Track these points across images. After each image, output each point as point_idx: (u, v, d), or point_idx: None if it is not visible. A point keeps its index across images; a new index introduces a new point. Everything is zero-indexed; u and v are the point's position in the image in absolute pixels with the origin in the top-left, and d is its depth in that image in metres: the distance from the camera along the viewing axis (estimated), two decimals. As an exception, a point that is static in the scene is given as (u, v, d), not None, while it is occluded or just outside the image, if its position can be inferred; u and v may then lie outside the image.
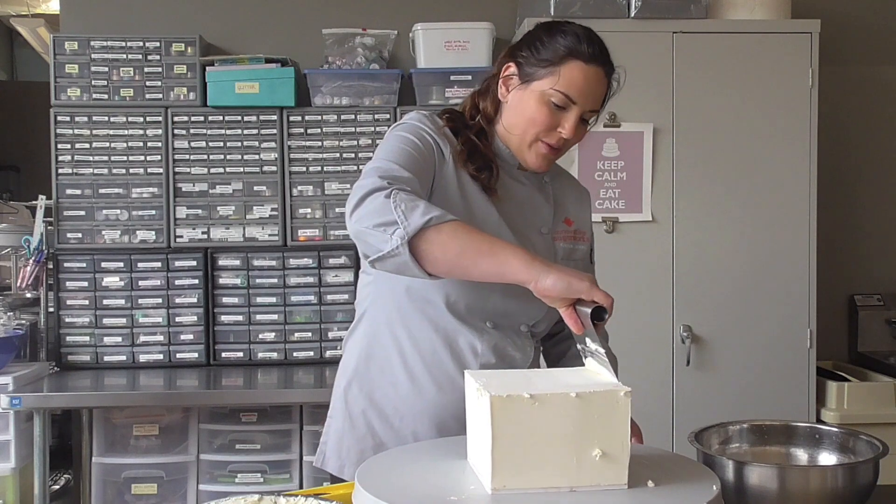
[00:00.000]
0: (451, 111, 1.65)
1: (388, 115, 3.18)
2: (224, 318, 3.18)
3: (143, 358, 3.16)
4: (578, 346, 1.34)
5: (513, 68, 1.56)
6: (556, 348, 1.79)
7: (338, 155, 3.17)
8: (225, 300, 3.18)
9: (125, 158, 3.18)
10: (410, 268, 1.32)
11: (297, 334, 3.18)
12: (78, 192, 3.17)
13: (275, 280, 3.17)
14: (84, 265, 3.15)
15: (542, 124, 1.52)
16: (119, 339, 3.16)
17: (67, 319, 3.15)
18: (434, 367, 1.55)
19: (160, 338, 3.17)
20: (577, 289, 1.28)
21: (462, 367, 1.53)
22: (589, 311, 1.26)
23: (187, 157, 3.19)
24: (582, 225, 1.71)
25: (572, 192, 1.73)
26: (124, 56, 3.18)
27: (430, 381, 1.55)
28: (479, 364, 1.55)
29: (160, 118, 3.17)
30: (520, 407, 1.08)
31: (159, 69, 3.18)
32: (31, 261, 3.13)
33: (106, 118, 3.17)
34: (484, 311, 1.55)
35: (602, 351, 1.26)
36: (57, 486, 3.23)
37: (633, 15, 2.98)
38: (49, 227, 3.16)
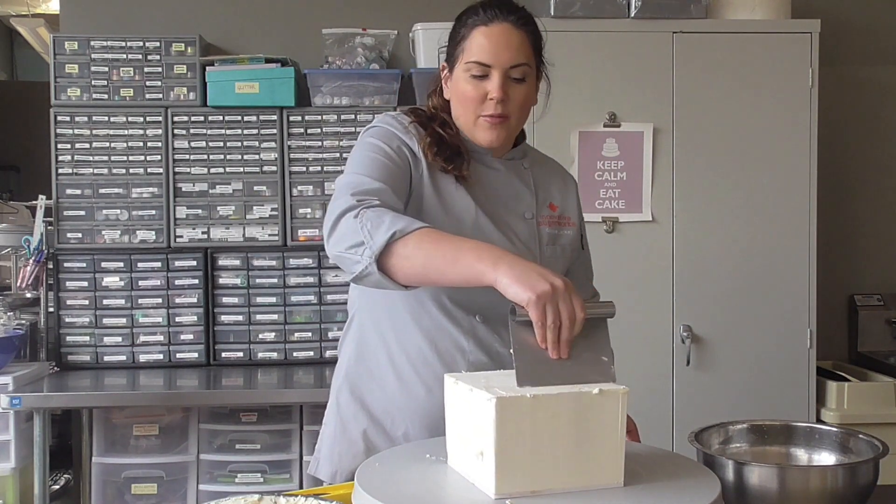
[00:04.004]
0: (416, 109, 1.67)
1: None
2: (224, 318, 3.18)
3: (143, 358, 3.16)
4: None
5: (444, 66, 1.62)
6: None
7: (338, 155, 3.17)
8: (225, 300, 3.18)
9: (125, 158, 3.18)
10: (385, 284, 1.33)
11: (297, 334, 3.18)
12: (78, 192, 3.17)
13: (275, 280, 3.17)
14: (84, 265, 3.15)
15: (472, 99, 1.54)
16: (119, 339, 3.16)
17: (67, 319, 3.15)
18: (422, 367, 1.56)
19: (160, 338, 3.17)
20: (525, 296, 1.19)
21: (450, 367, 1.54)
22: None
23: (187, 157, 3.19)
24: (567, 210, 1.69)
25: (556, 177, 1.72)
26: (124, 56, 3.18)
27: (418, 382, 1.56)
28: (468, 362, 1.55)
29: (160, 118, 3.17)
30: (521, 408, 1.08)
31: (159, 69, 3.18)
32: (31, 261, 3.13)
33: (106, 118, 3.17)
34: (471, 304, 1.54)
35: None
36: (57, 486, 3.23)
37: (633, 15, 2.98)
38: (49, 227, 3.16)
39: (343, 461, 1.61)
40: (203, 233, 3.19)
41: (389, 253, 1.31)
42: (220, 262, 3.19)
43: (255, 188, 3.20)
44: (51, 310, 3.18)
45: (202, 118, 3.18)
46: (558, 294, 1.19)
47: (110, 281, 3.16)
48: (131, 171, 3.18)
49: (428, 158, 1.54)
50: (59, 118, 3.17)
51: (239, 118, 3.18)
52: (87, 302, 3.15)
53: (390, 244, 1.30)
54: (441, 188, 1.54)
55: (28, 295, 3.39)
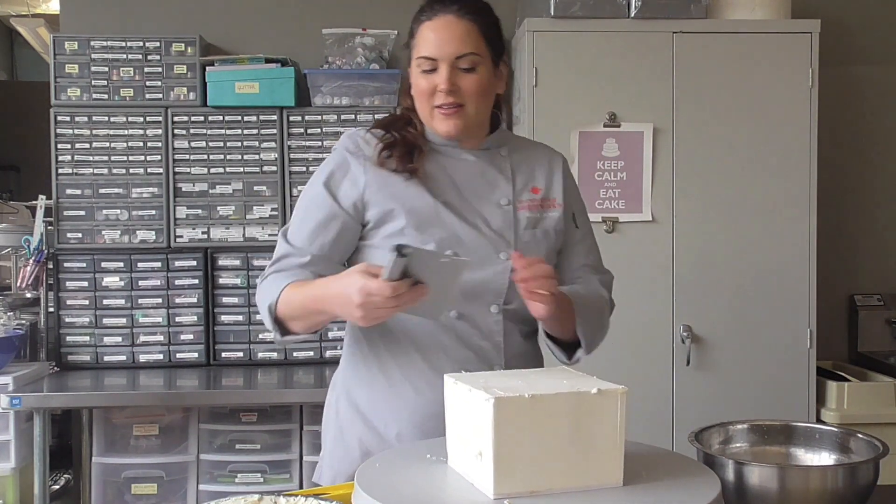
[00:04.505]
0: (387, 116, 1.72)
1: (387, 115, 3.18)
2: (224, 318, 3.18)
3: (143, 358, 3.16)
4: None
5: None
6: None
7: (338, 155, 3.17)
8: (225, 300, 3.18)
9: (125, 158, 3.18)
10: (289, 340, 1.55)
11: (297, 334, 3.18)
12: (78, 192, 3.17)
13: (275, 280, 3.17)
14: (84, 265, 3.15)
15: (424, 92, 1.57)
16: (119, 339, 3.16)
17: (67, 319, 3.15)
18: (408, 368, 1.59)
19: (160, 338, 3.17)
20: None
21: (434, 365, 1.56)
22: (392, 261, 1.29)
23: (187, 157, 3.19)
24: (552, 192, 1.67)
25: (542, 160, 1.71)
26: (124, 56, 3.18)
27: (406, 382, 1.59)
28: (452, 359, 1.56)
29: (160, 118, 3.18)
30: (519, 408, 1.08)
31: (159, 69, 3.18)
32: (31, 261, 3.13)
33: (106, 118, 3.17)
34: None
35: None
36: (57, 486, 3.23)
37: (633, 15, 2.98)
38: (49, 227, 3.17)
39: (342, 466, 1.63)
40: (203, 233, 3.19)
41: (281, 319, 1.52)
42: (220, 262, 3.19)
43: (255, 188, 3.20)
44: (51, 310, 3.18)
45: (202, 118, 3.18)
46: (373, 301, 1.33)
47: (110, 281, 3.16)
48: (131, 171, 3.18)
49: (377, 164, 1.59)
50: (59, 118, 3.17)
51: (239, 118, 3.18)
52: (87, 302, 3.15)
53: (277, 308, 1.51)
54: (393, 190, 1.57)
55: (28, 295, 3.39)
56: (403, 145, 1.60)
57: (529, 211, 1.63)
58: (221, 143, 3.19)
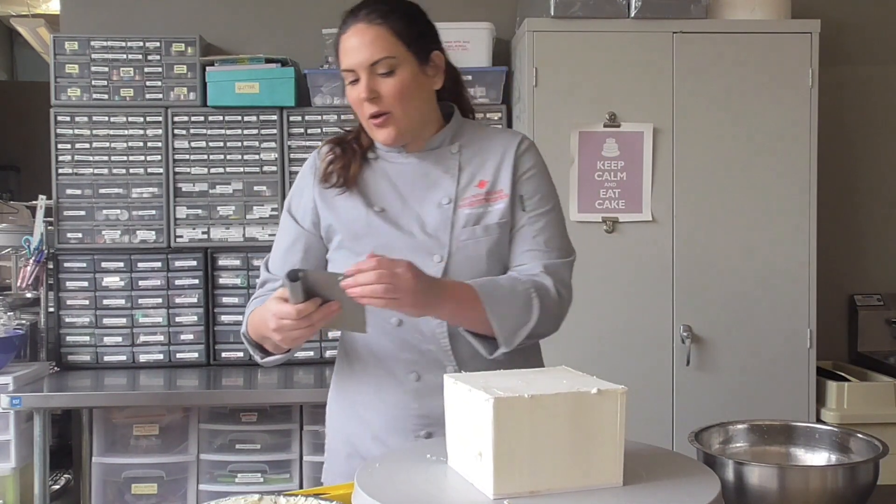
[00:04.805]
0: (342, 130, 1.74)
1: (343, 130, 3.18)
2: (224, 318, 3.18)
3: (143, 358, 3.16)
4: None
5: None
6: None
7: (338, 155, 3.17)
8: (225, 300, 3.18)
9: (125, 158, 3.18)
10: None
11: (297, 334, 3.18)
12: (78, 192, 3.17)
13: (275, 280, 3.17)
14: (84, 265, 3.15)
15: (354, 104, 1.59)
16: (119, 339, 3.16)
17: (67, 319, 3.15)
18: (370, 375, 1.63)
19: (160, 338, 3.17)
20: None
21: (391, 371, 1.60)
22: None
23: (187, 157, 3.19)
24: (499, 184, 1.60)
25: (495, 149, 1.63)
26: (124, 56, 3.18)
27: (370, 389, 1.63)
28: (403, 365, 1.58)
29: (160, 118, 3.18)
30: (520, 408, 1.08)
31: (159, 69, 3.18)
32: (31, 261, 3.13)
33: (106, 118, 3.17)
34: (386, 311, 1.50)
35: None
36: (57, 486, 3.23)
37: (633, 15, 2.98)
38: (49, 227, 3.17)
39: (334, 465, 1.71)
40: (203, 233, 3.19)
41: (257, 342, 1.59)
42: (220, 262, 3.19)
43: (255, 188, 3.20)
44: (51, 310, 3.18)
45: (202, 118, 3.18)
46: (285, 325, 1.40)
47: (110, 281, 3.16)
48: (131, 171, 3.18)
49: (320, 180, 1.64)
50: (59, 118, 3.17)
51: (239, 118, 3.18)
52: (87, 302, 3.15)
53: (252, 339, 1.59)
54: (332, 205, 1.63)
55: (28, 295, 3.39)
56: (342, 160, 1.63)
57: (471, 207, 1.58)
58: (221, 143, 3.19)
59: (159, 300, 3.17)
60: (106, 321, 3.16)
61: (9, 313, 3.12)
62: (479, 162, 1.62)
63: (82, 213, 3.17)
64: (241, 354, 3.17)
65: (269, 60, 3.18)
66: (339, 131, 1.75)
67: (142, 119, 3.18)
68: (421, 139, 1.62)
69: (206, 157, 3.19)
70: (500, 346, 1.49)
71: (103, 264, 3.16)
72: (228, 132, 3.19)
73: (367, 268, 1.35)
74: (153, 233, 3.19)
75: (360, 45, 1.54)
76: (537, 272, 1.56)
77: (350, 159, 1.63)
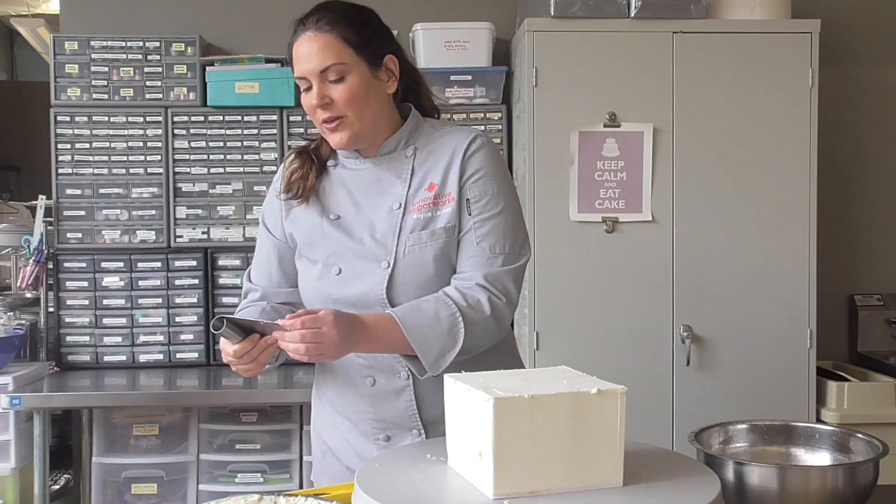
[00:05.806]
0: (306, 140, 1.77)
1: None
2: (224, 318, 3.18)
3: (143, 358, 3.16)
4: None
5: None
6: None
7: (338, 155, 3.17)
8: (225, 300, 3.18)
9: (125, 158, 3.18)
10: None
11: (297, 334, 3.18)
12: (78, 192, 3.17)
13: (275, 280, 3.17)
14: (84, 265, 3.15)
15: (309, 111, 1.59)
16: (119, 339, 3.16)
17: (67, 319, 3.15)
18: (335, 382, 1.66)
19: (160, 338, 3.17)
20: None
21: (351, 377, 1.62)
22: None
23: (187, 157, 3.19)
24: (447, 187, 1.57)
25: (445, 151, 1.60)
26: (124, 56, 3.18)
27: (334, 394, 1.67)
28: (361, 367, 1.60)
29: (160, 118, 3.18)
30: (519, 408, 1.08)
31: (159, 69, 3.18)
32: (31, 261, 3.13)
33: (106, 118, 3.17)
34: None
35: None
36: (57, 486, 3.23)
37: (633, 15, 2.98)
38: (49, 227, 3.17)
39: (318, 464, 1.74)
40: (203, 233, 3.19)
41: None
42: (220, 262, 3.19)
43: (255, 188, 3.20)
44: (51, 310, 3.18)
45: (202, 118, 3.18)
46: (232, 361, 1.46)
47: (110, 281, 3.16)
48: (131, 171, 3.18)
49: (283, 191, 1.66)
50: (59, 118, 3.17)
51: (239, 118, 3.19)
52: (87, 302, 3.15)
53: None
54: (292, 215, 1.66)
55: (28, 295, 3.39)
56: (301, 171, 1.65)
57: (419, 212, 1.56)
58: (221, 143, 3.19)
59: (159, 300, 3.17)
60: (106, 321, 3.16)
61: (9, 313, 3.12)
62: (431, 164, 1.60)
63: (82, 213, 3.17)
64: (241, 354, 3.17)
65: (268, 60, 3.18)
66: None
67: (142, 119, 3.18)
68: (377, 143, 1.62)
69: (205, 157, 3.19)
70: (427, 371, 1.49)
71: (103, 264, 3.16)
72: (228, 132, 3.19)
73: (290, 328, 1.40)
74: (153, 233, 3.19)
75: (309, 52, 1.57)
76: (472, 285, 1.53)
77: (308, 170, 1.65)
